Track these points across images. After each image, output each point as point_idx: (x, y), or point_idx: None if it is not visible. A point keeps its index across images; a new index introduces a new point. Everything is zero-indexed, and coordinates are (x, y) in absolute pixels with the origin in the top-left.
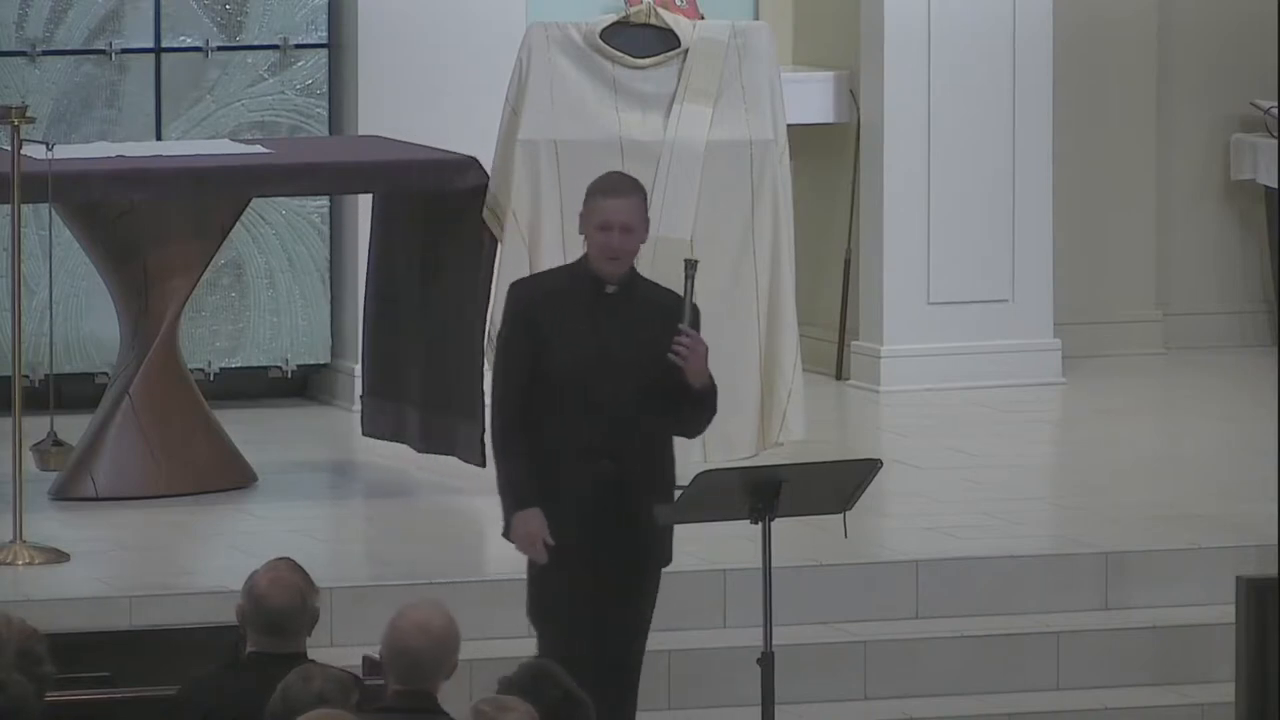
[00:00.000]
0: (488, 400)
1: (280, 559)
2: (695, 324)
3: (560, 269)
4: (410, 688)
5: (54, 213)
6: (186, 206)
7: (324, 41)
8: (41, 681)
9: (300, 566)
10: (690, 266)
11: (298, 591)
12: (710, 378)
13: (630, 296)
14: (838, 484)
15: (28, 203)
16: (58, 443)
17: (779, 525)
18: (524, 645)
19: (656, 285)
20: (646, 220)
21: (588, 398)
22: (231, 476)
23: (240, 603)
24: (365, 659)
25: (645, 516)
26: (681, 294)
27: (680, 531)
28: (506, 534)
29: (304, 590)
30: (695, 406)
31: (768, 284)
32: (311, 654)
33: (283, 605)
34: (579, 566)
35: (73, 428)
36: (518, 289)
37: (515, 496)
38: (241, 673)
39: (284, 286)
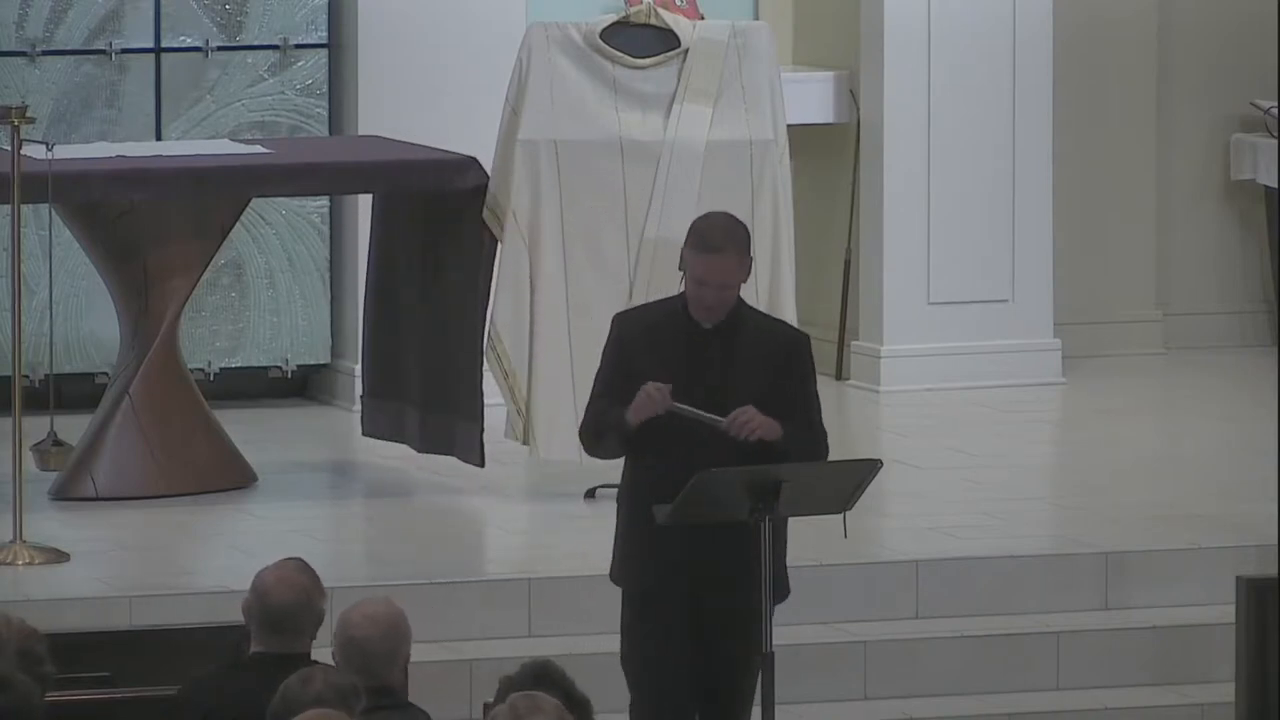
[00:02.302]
0: (487, 401)
1: (291, 559)
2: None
3: (661, 303)
4: (370, 683)
5: (54, 213)
6: (186, 206)
7: (324, 41)
8: (42, 681)
9: (310, 568)
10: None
11: (303, 591)
12: (790, 430)
13: (733, 332)
14: (838, 484)
15: (28, 203)
16: (58, 443)
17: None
18: (524, 645)
19: (766, 316)
20: (745, 267)
21: (684, 436)
22: (231, 476)
23: (246, 598)
24: None
25: (754, 555)
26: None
27: None
28: (631, 421)
29: (310, 591)
30: (792, 455)
31: (768, 284)
32: (313, 655)
33: (286, 604)
34: (682, 611)
35: (73, 428)
36: (620, 320)
37: (620, 414)
38: (243, 673)
39: (284, 286)
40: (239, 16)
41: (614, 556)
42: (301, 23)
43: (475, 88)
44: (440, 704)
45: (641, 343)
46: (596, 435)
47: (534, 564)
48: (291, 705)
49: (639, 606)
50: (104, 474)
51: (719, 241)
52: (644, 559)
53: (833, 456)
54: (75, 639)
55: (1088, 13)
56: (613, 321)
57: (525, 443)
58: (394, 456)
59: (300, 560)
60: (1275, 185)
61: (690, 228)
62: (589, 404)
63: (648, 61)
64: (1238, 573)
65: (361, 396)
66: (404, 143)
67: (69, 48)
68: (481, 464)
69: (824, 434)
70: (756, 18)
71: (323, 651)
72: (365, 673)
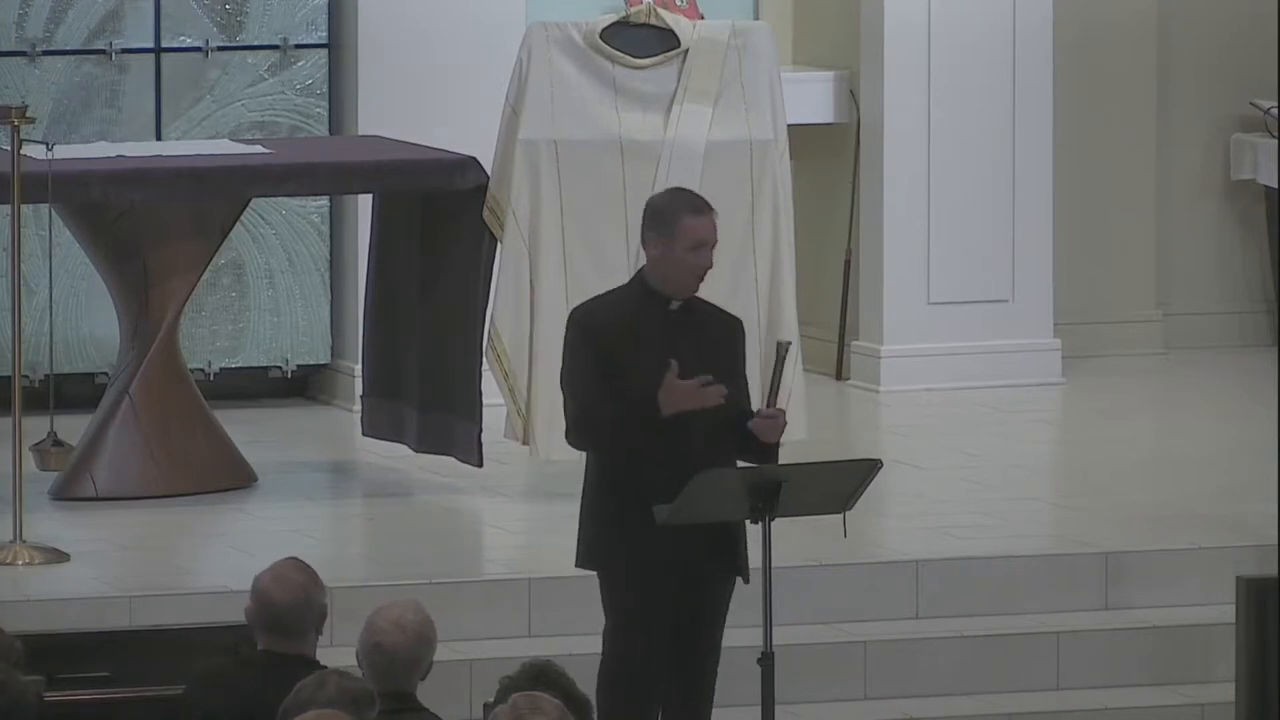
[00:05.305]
0: (487, 401)
1: (286, 558)
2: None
3: (618, 291)
4: (389, 688)
5: (54, 213)
6: (186, 206)
7: (324, 41)
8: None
9: (306, 566)
10: (783, 348)
11: (300, 588)
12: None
13: (691, 312)
14: (838, 484)
15: (28, 203)
16: (58, 443)
17: (779, 525)
18: (524, 645)
19: (707, 301)
20: None
21: (673, 416)
22: (231, 476)
23: (248, 603)
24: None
25: (726, 532)
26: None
27: None
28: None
29: (308, 588)
30: (756, 454)
31: (768, 284)
32: (336, 655)
33: (284, 603)
34: (666, 585)
35: (73, 428)
36: (581, 318)
37: (632, 414)
38: (249, 670)
39: (284, 286)
40: (239, 16)
41: (591, 540)
42: (301, 23)
43: (475, 88)
44: (440, 704)
45: (617, 332)
46: (602, 433)
47: (534, 564)
48: (304, 706)
49: (632, 577)
50: (104, 474)
51: (705, 203)
52: (643, 534)
53: (833, 457)
54: (75, 639)
55: (1088, 13)
56: (574, 318)
57: (525, 443)
58: (394, 456)
59: (295, 559)
60: (1275, 185)
61: (657, 205)
62: (576, 403)
63: (648, 61)
64: (1238, 573)
65: (361, 396)
66: (404, 143)
67: (69, 48)
68: (480, 464)
69: None
70: (756, 18)
71: (347, 651)
72: (386, 678)
